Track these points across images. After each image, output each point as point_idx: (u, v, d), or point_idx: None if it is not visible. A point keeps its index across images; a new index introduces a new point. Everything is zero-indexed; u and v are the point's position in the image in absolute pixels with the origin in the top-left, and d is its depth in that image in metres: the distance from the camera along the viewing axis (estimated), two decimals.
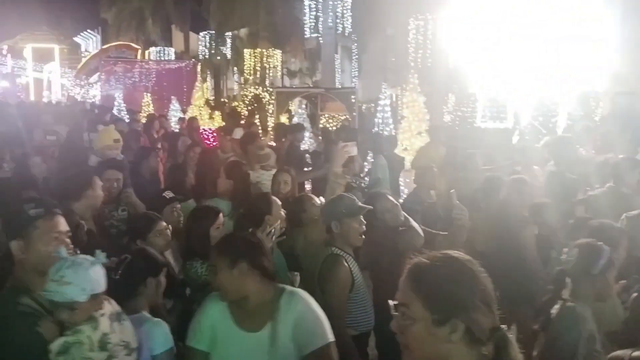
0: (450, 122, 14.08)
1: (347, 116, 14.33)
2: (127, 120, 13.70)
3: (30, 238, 2.45)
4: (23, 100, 28.13)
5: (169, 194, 4.08)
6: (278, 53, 23.52)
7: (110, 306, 2.43)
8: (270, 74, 23.07)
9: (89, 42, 41.80)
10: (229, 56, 29.01)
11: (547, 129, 10.03)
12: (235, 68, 29.61)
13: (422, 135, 11.04)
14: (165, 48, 31.15)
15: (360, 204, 3.79)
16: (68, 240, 2.53)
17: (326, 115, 15.62)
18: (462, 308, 1.62)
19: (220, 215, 3.83)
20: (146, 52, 30.74)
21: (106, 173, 4.87)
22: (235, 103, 23.35)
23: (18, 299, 2.37)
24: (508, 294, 4.46)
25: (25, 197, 4.21)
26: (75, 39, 42.96)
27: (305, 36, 22.81)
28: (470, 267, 1.69)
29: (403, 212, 4.24)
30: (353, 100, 14.56)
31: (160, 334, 2.68)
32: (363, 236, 3.73)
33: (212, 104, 22.02)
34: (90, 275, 2.32)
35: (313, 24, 21.61)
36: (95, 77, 28.55)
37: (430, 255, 1.74)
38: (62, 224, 2.55)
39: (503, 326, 1.67)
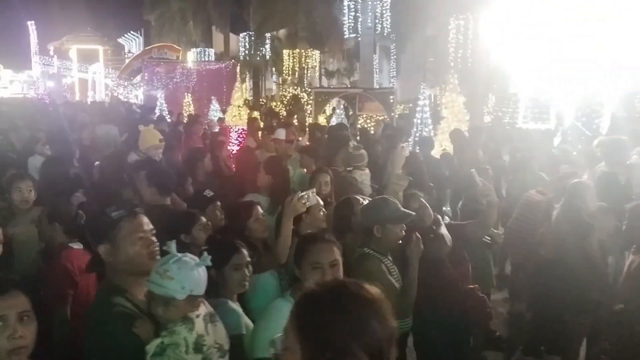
0: (490, 122, 13.90)
1: (386, 116, 14.29)
2: (168, 120, 13.96)
3: (116, 241, 2.47)
4: (69, 99, 28.92)
5: (209, 193, 4.14)
6: (316, 53, 23.60)
7: (204, 307, 2.43)
8: (309, 75, 23.15)
9: (132, 44, 42.71)
10: (268, 57, 29.22)
11: (590, 130, 9.80)
12: (274, 68, 29.83)
13: None
14: (206, 49, 31.58)
15: (404, 210, 3.74)
16: (153, 238, 2.55)
17: (364, 116, 15.61)
18: (334, 351, 1.34)
19: (258, 207, 3.89)
20: (187, 53, 31.24)
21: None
22: (274, 103, 23.54)
23: (113, 300, 2.39)
24: (574, 301, 4.46)
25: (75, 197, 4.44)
26: (119, 40, 43.95)
27: (344, 36, 22.81)
28: (363, 303, 1.39)
29: (436, 214, 4.23)
30: (392, 101, 14.51)
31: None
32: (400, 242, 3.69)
33: (251, 104, 22.24)
34: (193, 275, 2.33)
35: (352, 24, 21.61)
36: (138, 78, 29.10)
37: (323, 283, 1.52)
38: (145, 223, 2.56)
39: None
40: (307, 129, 11.41)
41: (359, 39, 21.46)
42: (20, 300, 2.07)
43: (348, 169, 6.20)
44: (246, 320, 2.92)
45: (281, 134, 8.32)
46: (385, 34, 21.53)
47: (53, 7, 42.10)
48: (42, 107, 20.06)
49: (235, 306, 2.96)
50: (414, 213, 3.79)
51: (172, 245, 2.40)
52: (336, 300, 1.39)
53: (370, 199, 4.09)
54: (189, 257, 2.38)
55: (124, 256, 2.47)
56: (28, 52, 37.37)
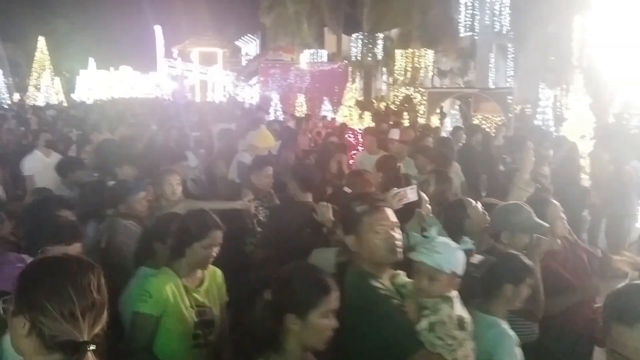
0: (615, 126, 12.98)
1: (503, 117, 13.80)
2: (282, 120, 14.37)
3: (360, 232, 2.68)
4: (190, 100, 30.58)
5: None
6: (430, 53, 23.23)
7: (455, 292, 2.52)
8: (421, 74, 22.85)
9: (249, 46, 44.29)
10: (379, 57, 29.19)
11: None
12: (385, 69, 29.74)
13: (584, 138, 10.34)
14: (319, 50, 32.11)
15: (538, 220, 3.54)
16: (394, 232, 2.68)
17: (479, 117, 15.17)
18: (28, 307, 1.57)
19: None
20: (301, 54, 31.93)
21: (265, 169, 5.36)
22: (384, 103, 23.48)
23: (373, 283, 2.57)
24: None
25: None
26: (237, 42, 45.74)
27: (460, 35, 22.29)
28: (71, 272, 1.63)
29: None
30: (509, 101, 13.98)
31: (507, 346, 2.77)
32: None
33: (362, 105, 22.32)
34: (457, 254, 2.47)
35: (468, 22, 21.05)
36: (254, 79, 30.15)
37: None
38: (388, 216, 2.72)
39: (90, 346, 1.57)
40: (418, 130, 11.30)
41: (476, 37, 20.86)
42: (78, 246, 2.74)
43: None
44: None
45: (395, 134, 8.29)
46: (504, 32, 20.78)
47: (178, 12, 44.63)
48: (169, 107, 21.32)
49: None
50: (547, 225, 3.54)
51: (433, 230, 2.58)
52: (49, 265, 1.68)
53: (503, 203, 3.92)
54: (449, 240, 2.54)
55: (367, 247, 2.66)
56: (154, 55, 39.94)
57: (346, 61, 27.35)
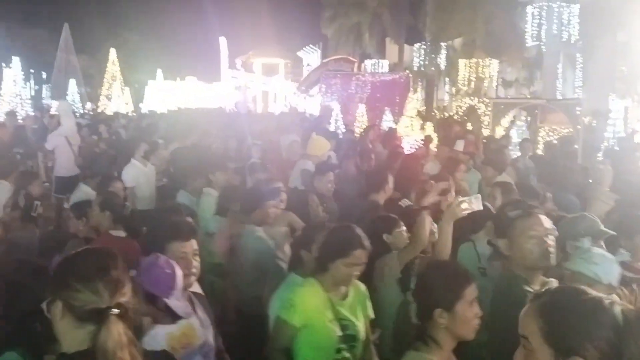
0: None
1: (570, 129, 13.41)
2: (343, 130, 14.47)
3: (512, 237, 2.80)
4: (252, 110, 31.15)
5: (405, 203, 4.22)
6: (494, 62, 22.80)
7: None
8: (485, 85, 22.45)
9: (311, 57, 44.72)
10: (442, 67, 28.91)
11: None
12: (447, 79, 29.41)
13: None
14: (380, 60, 32.09)
15: (602, 227, 3.48)
16: (551, 237, 2.77)
17: (546, 128, 14.79)
18: (60, 288, 1.86)
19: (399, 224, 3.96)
20: (362, 64, 31.99)
21: (328, 175, 5.80)
22: (445, 113, 23.19)
23: (523, 287, 2.63)
24: None
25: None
26: (299, 53, 46.28)
27: (526, 45, 21.80)
28: (93, 256, 1.96)
29: None
30: (578, 113, 13.57)
31: None
32: None
33: (423, 115, 22.11)
34: (614, 266, 2.55)
35: (535, 32, 20.54)
36: (315, 89, 30.39)
37: None
38: (542, 222, 2.81)
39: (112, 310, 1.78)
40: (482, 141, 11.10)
41: (543, 47, 20.35)
42: (194, 242, 3.01)
43: None
44: None
45: (460, 145, 8.20)
46: (572, 42, 20.18)
47: (242, 23, 45.74)
48: (232, 117, 21.81)
49: None
50: (613, 233, 3.48)
51: (586, 241, 2.76)
52: None
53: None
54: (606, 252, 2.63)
55: (518, 251, 2.76)
56: (218, 66, 40.91)
57: (408, 71, 27.21)
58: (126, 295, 1.88)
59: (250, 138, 10.19)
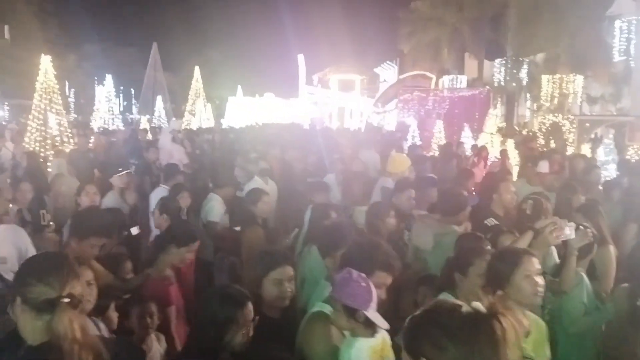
0: None
1: None
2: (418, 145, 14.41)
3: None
4: (328, 126, 31.42)
5: (491, 222, 4.22)
6: (579, 78, 22.05)
7: None
8: (569, 101, 21.73)
9: (388, 73, 44.73)
10: (524, 82, 28.21)
11: None
12: (529, 94, 28.66)
13: None
14: (458, 76, 31.72)
15: None
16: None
17: (635, 146, 14.15)
18: (19, 285, 2.14)
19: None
20: (439, 80, 31.71)
21: (408, 192, 5.74)
22: (525, 130, 22.57)
23: None
24: None
25: None
26: (375, 69, 46.40)
27: (613, 60, 20.98)
28: (47, 257, 2.33)
29: None
30: None
31: None
32: None
33: (504, 132, 21.64)
34: None
35: (623, 46, 19.77)
36: (391, 105, 30.36)
37: None
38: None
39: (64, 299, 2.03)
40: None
41: (631, 62, 19.50)
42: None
43: None
44: None
45: (544, 166, 7.95)
46: None
47: (319, 41, 46.56)
48: (309, 133, 22.11)
49: None
50: None
51: None
52: None
53: None
54: None
55: None
56: (296, 82, 41.67)
57: (488, 87, 26.73)
58: (76, 288, 2.13)
59: (329, 153, 10.26)
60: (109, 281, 3.86)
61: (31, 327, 2.08)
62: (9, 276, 3.85)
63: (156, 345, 3.51)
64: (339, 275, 2.85)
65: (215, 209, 6.45)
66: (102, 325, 3.19)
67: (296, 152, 10.29)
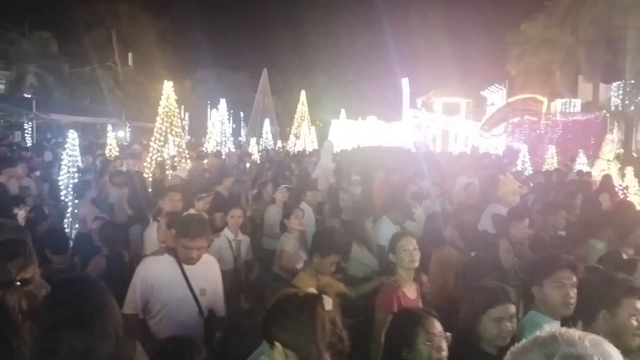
0: None
1: None
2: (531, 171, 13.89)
3: None
4: (430, 150, 31.02)
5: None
6: None
7: None
8: None
9: (495, 96, 43.63)
10: None
11: None
12: None
13: None
14: (571, 99, 30.34)
15: None
16: None
17: None
18: None
19: None
20: (551, 104, 30.49)
21: (524, 221, 5.62)
22: None
23: None
24: None
25: None
26: (482, 92, 45.38)
27: None
28: (7, 245, 2.90)
29: None
30: None
31: None
32: None
33: (622, 158, 20.34)
34: None
35: None
36: (499, 129, 29.57)
37: None
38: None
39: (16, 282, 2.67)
40: None
41: None
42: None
43: None
44: None
45: None
46: None
47: (423, 64, 46.29)
48: (412, 157, 21.93)
49: None
50: None
51: None
52: None
53: None
54: None
55: None
56: (398, 106, 41.59)
57: (604, 111, 25.36)
58: (30, 273, 2.73)
59: (430, 178, 10.19)
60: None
61: None
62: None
63: None
64: None
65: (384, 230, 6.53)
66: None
67: (400, 175, 10.28)
